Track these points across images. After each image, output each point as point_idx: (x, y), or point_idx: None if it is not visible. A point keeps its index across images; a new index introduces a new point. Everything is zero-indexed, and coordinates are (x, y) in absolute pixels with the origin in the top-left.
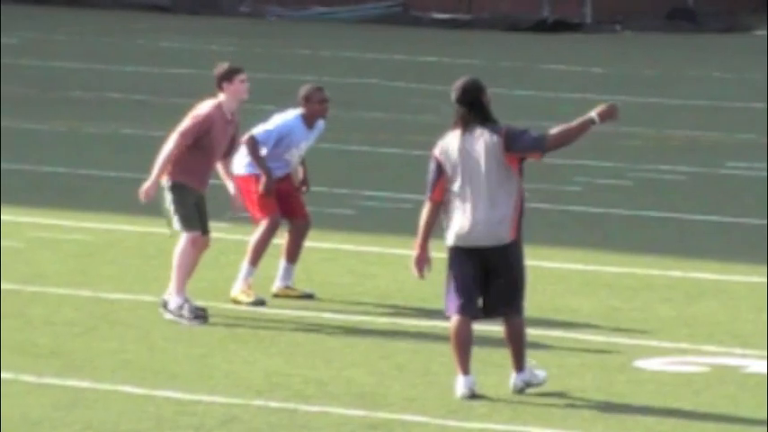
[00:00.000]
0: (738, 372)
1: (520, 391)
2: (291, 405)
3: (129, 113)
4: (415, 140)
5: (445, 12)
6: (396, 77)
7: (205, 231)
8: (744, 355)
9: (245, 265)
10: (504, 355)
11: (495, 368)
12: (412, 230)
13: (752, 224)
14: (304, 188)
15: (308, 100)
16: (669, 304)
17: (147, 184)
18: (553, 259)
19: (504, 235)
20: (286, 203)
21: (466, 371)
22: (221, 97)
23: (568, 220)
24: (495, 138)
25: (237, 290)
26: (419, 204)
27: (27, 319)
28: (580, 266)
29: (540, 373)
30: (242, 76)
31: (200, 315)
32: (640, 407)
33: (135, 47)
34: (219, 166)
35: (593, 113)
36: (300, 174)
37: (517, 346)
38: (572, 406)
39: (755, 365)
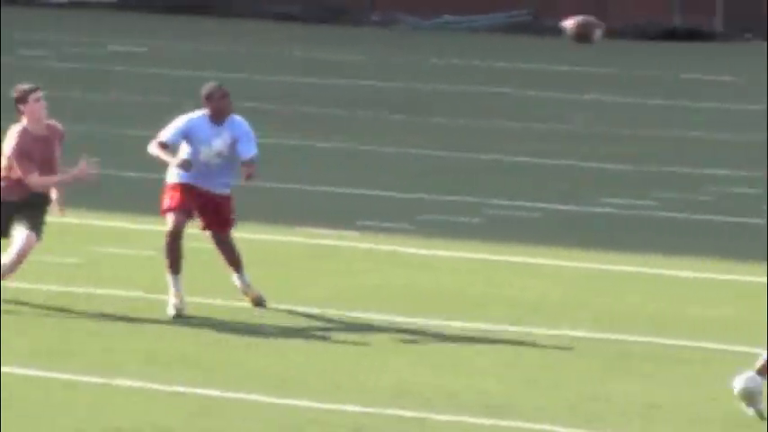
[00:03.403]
0: None
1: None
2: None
3: None
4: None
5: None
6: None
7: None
8: None
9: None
10: (439, 350)
11: (427, 367)
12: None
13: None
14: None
15: (209, 99)
16: None
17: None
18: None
19: None
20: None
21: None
22: (24, 121)
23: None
24: None
25: None
26: None
27: None
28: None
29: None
30: (36, 95)
31: None
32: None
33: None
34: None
35: None
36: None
37: None
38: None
39: None
